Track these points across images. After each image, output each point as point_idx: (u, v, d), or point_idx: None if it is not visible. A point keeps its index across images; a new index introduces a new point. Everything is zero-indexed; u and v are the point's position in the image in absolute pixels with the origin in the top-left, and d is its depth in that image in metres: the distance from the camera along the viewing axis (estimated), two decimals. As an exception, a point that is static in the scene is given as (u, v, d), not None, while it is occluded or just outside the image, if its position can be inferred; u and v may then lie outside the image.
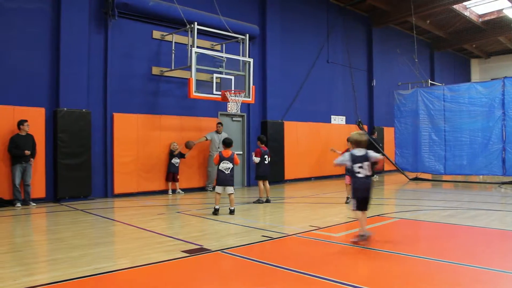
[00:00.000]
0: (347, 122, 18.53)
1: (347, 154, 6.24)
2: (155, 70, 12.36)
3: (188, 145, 12.56)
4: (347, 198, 10.19)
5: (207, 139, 12.98)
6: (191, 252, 5.53)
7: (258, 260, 5.18)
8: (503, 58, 29.08)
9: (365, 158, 6.03)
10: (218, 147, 12.50)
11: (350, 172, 6.31)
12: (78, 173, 10.72)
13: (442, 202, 10.57)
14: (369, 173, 6.01)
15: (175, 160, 12.37)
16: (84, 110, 10.89)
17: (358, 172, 6.00)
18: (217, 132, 13.22)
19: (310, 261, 5.24)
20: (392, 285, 4.31)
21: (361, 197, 6.04)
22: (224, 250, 5.61)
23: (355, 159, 6.06)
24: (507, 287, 4.36)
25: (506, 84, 14.43)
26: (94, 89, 11.34)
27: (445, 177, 16.18)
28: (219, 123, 13.37)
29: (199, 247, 5.79)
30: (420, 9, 18.66)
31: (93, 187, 11.08)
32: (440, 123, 15.70)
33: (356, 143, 6.20)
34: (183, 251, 5.54)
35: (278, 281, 4.44)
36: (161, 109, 12.48)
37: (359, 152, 6.08)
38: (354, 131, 6.57)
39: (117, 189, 11.51)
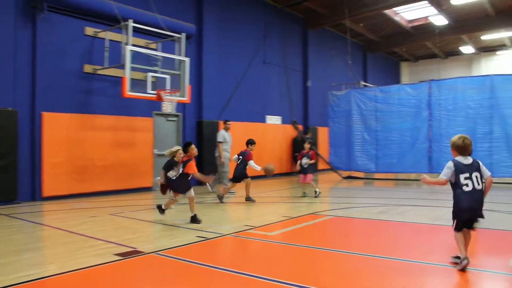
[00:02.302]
0: (282, 122, 18.79)
1: (451, 163, 4.90)
2: (88, 68, 11.94)
3: (269, 171, 10.76)
4: (304, 193, 11.34)
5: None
6: (124, 255, 5.39)
7: (193, 261, 5.13)
8: (430, 62, 30.58)
9: (475, 168, 4.82)
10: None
11: (454, 185, 4.87)
12: (2, 176, 10.10)
13: (373, 199, 10.95)
14: (479, 187, 4.75)
15: (172, 173, 8.49)
16: (9, 108, 10.31)
17: (466, 185, 4.74)
18: (227, 130, 13.30)
19: (245, 261, 5.27)
20: (324, 281, 4.41)
21: (465, 219, 4.81)
22: (158, 252, 5.52)
23: (462, 169, 4.81)
24: (433, 278, 4.58)
25: (432, 86, 15.24)
26: (21, 87, 10.72)
27: (376, 175, 16.76)
28: (227, 120, 13.47)
29: (132, 249, 5.67)
30: (354, 13, 19.23)
31: (19, 191, 10.47)
32: (372, 123, 16.32)
33: (459, 149, 4.97)
34: (115, 254, 5.39)
35: (214, 282, 4.42)
36: (94, 108, 12.05)
37: (466, 160, 4.88)
38: (457, 135, 5.12)
39: (47, 192, 10.98)
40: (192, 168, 7.72)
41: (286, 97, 19.03)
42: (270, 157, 17.02)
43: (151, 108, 13.26)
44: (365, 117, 16.53)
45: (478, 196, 4.74)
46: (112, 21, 11.84)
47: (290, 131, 19.01)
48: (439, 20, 21.27)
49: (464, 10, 20.63)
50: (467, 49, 27.46)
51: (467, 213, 4.77)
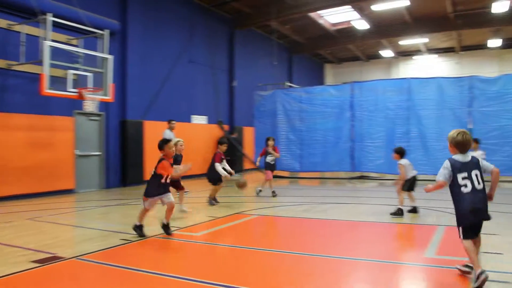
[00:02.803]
0: (209, 121, 18.72)
1: (447, 163, 4.47)
2: (1, 63, 11.22)
3: (241, 184, 10.29)
4: (259, 190, 11.51)
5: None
6: (42, 261, 5.14)
7: (117, 265, 5.00)
8: (352, 64, 31.74)
9: (475, 165, 4.40)
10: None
11: (452, 187, 4.44)
12: None
13: (298, 198, 11.19)
14: (480, 187, 4.32)
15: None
16: None
17: (464, 185, 4.31)
18: (172, 130, 12.97)
19: (169, 262, 5.21)
20: (249, 280, 4.46)
21: (471, 223, 4.32)
22: (80, 257, 5.32)
23: (460, 168, 4.39)
24: (356, 273, 4.77)
25: (355, 88, 15.90)
26: None
27: (302, 174, 17.12)
28: (171, 120, 13.14)
29: (51, 255, 5.42)
30: (281, 15, 19.51)
31: None
32: (297, 123, 16.70)
33: (460, 146, 4.50)
34: (33, 261, 5.12)
35: (139, 285, 4.33)
36: (8, 106, 11.34)
37: (465, 158, 4.45)
38: (453, 130, 4.68)
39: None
40: (164, 169, 6.60)
41: (212, 97, 18.98)
42: (196, 157, 16.89)
43: (72, 107, 12.70)
44: (290, 117, 16.89)
45: (481, 196, 4.29)
46: (29, 13, 11.19)
47: (216, 131, 18.97)
48: (361, 25, 22.12)
49: (384, 16, 21.60)
50: (386, 53, 28.77)
51: (471, 216, 4.26)
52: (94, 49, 12.05)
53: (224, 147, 10.09)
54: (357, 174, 16.07)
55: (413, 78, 15.58)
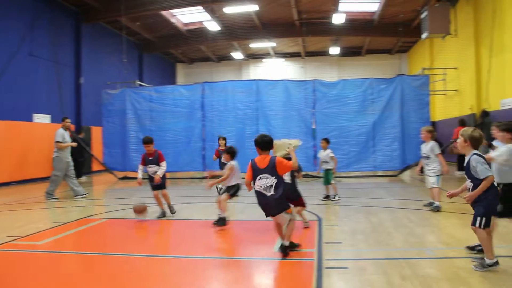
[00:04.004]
0: (52, 121, 17.36)
1: (481, 158, 4.60)
2: None
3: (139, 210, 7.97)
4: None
5: None
6: None
7: None
8: (204, 65, 32.06)
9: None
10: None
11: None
12: None
13: (151, 199, 10.93)
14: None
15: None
16: None
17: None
18: (66, 129, 11.44)
19: (7, 278, 4.75)
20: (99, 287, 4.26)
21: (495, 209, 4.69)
22: None
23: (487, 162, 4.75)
24: (207, 272, 4.84)
25: (205, 88, 16.14)
26: None
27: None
28: (65, 117, 11.65)
29: None
30: (130, 11, 18.91)
31: None
32: (147, 123, 16.40)
33: (476, 142, 4.70)
34: None
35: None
36: None
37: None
38: (467, 127, 4.92)
39: None
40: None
41: (56, 94, 17.68)
42: (39, 160, 15.67)
43: None
44: (140, 116, 16.52)
45: None
46: None
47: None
48: (213, 26, 22.43)
49: (235, 19, 22.22)
50: (237, 55, 29.60)
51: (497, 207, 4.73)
52: None
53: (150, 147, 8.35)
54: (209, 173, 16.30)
55: (261, 80, 16.33)
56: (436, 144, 8.09)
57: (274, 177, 5.07)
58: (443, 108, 21.09)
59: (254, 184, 5.17)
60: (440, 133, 16.89)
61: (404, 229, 6.57)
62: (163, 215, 8.18)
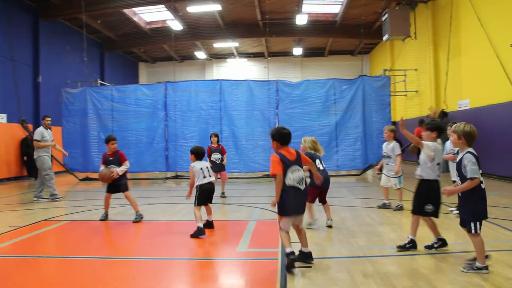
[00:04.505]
0: (8, 120, 16.77)
1: (473, 157, 4.40)
2: None
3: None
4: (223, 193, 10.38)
5: None
6: None
7: None
8: (167, 64, 31.66)
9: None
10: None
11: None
12: None
13: (112, 200, 10.73)
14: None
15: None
16: None
17: (482, 182, 4.44)
18: (47, 127, 11.14)
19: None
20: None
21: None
22: None
23: (479, 163, 4.45)
24: (171, 272, 4.76)
25: (168, 88, 15.96)
26: None
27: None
28: (46, 116, 11.37)
29: None
30: (91, 8, 18.52)
31: None
32: (108, 122, 16.07)
33: (471, 138, 4.51)
34: None
35: None
36: None
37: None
38: (458, 123, 4.65)
39: None
40: None
41: (12, 93, 17.08)
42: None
43: None
44: (102, 116, 16.17)
45: None
46: None
47: (18, 131, 17.13)
48: (176, 25, 22.19)
49: (198, 18, 22.09)
50: (201, 54, 29.43)
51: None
52: None
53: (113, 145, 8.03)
54: (172, 174, 16.14)
55: (225, 80, 16.27)
56: (398, 145, 8.21)
57: (302, 169, 4.81)
58: (403, 109, 21.56)
59: (285, 178, 4.65)
60: (400, 133, 17.20)
61: (366, 227, 6.66)
62: (105, 217, 7.94)
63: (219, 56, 30.99)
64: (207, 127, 15.55)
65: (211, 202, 6.93)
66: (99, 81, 20.59)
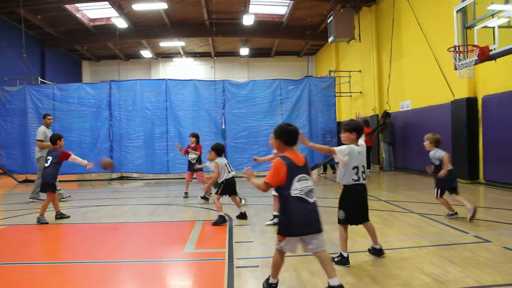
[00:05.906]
0: None
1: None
2: None
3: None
4: (186, 193, 10.43)
5: None
6: None
7: None
8: (111, 63, 30.87)
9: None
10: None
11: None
12: None
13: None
14: None
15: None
16: None
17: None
18: (48, 126, 10.55)
19: None
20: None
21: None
22: None
23: None
24: (117, 275, 4.67)
25: (113, 87, 15.58)
26: None
27: (61, 177, 15.95)
28: (47, 114, 10.76)
29: None
30: (30, 2, 17.84)
31: None
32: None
33: (439, 142, 7.10)
34: None
35: None
36: None
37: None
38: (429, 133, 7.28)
39: None
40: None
41: None
42: None
43: None
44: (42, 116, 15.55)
45: None
46: None
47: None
48: (120, 23, 21.71)
49: (144, 16, 21.73)
50: (146, 53, 28.98)
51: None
52: None
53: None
54: (117, 174, 15.79)
55: (171, 80, 16.06)
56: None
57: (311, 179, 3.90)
58: (348, 109, 22.08)
59: (289, 188, 3.70)
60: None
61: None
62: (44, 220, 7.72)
63: (165, 55, 30.62)
64: (153, 127, 15.32)
65: (235, 194, 7.50)
66: (40, 79, 19.86)
